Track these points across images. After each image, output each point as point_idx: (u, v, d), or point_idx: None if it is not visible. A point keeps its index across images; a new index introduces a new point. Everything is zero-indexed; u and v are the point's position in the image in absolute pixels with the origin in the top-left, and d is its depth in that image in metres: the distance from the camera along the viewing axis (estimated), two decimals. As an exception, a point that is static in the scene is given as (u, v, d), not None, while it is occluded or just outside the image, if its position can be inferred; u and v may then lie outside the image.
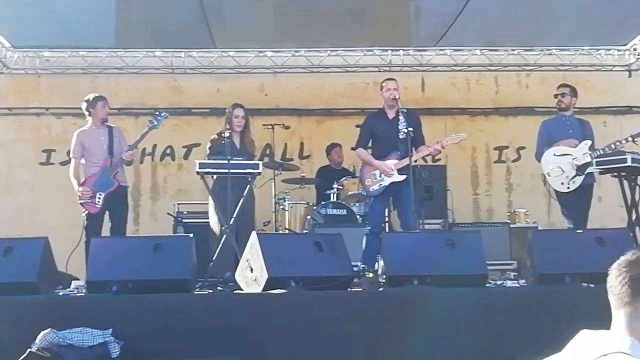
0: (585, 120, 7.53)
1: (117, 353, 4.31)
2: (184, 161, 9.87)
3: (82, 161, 7.13)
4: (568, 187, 7.11)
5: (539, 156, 7.41)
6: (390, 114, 6.77)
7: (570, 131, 7.22)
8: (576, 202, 7.13)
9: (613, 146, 6.94)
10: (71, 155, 7.26)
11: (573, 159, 7.09)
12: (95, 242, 5.35)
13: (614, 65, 10.09)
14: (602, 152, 6.97)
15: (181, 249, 5.14)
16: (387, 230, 7.59)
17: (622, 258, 1.87)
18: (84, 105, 7.32)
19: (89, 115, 7.29)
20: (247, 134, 7.11)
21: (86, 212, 6.87)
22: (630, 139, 6.90)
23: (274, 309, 4.66)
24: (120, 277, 4.88)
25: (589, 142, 7.11)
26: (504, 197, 10.03)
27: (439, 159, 9.73)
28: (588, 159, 7.00)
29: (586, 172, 7.02)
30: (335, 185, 8.43)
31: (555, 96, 7.44)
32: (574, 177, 7.07)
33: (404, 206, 6.59)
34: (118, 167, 7.08)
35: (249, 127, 7.16)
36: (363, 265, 6.31)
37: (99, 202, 6.89)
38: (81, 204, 6.90)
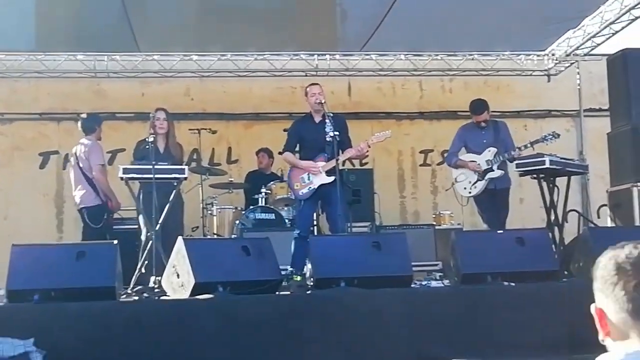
0: (501, 122, 7.74)
1: (39, 363, 4.20)
2: (109, 167, 9.63)
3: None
4: (470, 192, 7.45)
5: (447, 160, 7.81)
6: (317, 118, 6.81)
7: (484, 140, 7.47)
8: (490, 205, 7.41)
9: (514, 152, 7.21)
10: (101, 162, 7.41)
11: (477, 165, 7.39)
12: (16, 249, 5.18)
13: (533, 70, 10.43)
14: (503, 158, 7.24)
15: (105, 256, 5.04)
16: (315, 233, 7.63)
17: (622, 255, 1.60)
18: (87, 121, 7.55)
19: (92, 132, 7.49)
20: (171, 138, 7.02)
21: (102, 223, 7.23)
22: (529, 145, 7.20)
23: (201, 315, 4.62)
24: (42, 285, 4.75)
25: (493, 150, 7.33)
26: (430, 200, 10.23)
27: (366, 163, 9.85)
28: (488, 166, 7.30)
29: (487, 178, 7.30)
30: (263, 190, 8.42)
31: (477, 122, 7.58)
32: (476, 182, 7.39)
33: (332, 209, 6.62)
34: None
35: (173, 131, 7.07)
36: (291, 269, 6.33)
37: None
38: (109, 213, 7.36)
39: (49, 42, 9.36)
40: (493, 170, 7.29)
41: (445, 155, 7.92)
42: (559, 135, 7.17)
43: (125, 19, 8.29)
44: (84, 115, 7.68)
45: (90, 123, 7.54)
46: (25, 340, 4.20)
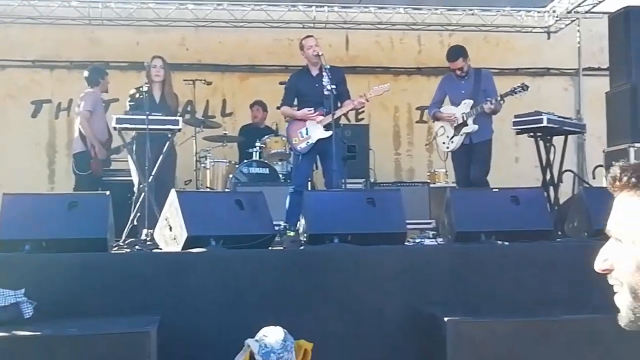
0: (485, 71, 7.37)
1: (31, 314, 4.18)
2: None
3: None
4: (447, 147, 7.22)
5: (428, 112, 7.61)
6: (314, 71, 6.72)
7: (463, 91, 7.19)
8: (465, 160, 7.12)
9: (485, 105, 6.87)
10: (87, 108, 7.41)
11: (452, 117, 7.14)
12: (7, 198, 5.11)
13: (533, 27, 10.31)
14: (477, 110, 6.93)
15: (97, 207, 4.97)
16: (309, 188, 7.59)
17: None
18: (91, 73, 7.72)
19: (96, 84, 7.65)
20: (167, 87, 6.92)
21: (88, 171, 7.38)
22: (499, 97, 6.88)
23: (193, 268, 4.59)
24: (33, 235, 4.70)
25: (469, 102, 7.04)
26: (425, 157, 10.17)
27: (362, 119, 9.78)
28: (463, 119, 7.04)
29: (462, 133, 7.06)
30: (258, 144, 8.36)
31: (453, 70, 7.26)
32: (453, 136, 7.16)
33: (328, 165, 6.57)
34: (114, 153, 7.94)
35: (170, 81, 6.98)
36: (285, 224, 6.31)
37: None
38: (94, 160, 7.39)
39: (42, -13, 9.18)
40: (467, 125, 7.03)
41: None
42: (527, 87, 6.80)
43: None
44: (89, 68, 7.83)
45: (94, 75, 7.68)
46: (16, 291, 4.17)
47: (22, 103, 9.65)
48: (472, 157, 7.07)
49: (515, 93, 6.80)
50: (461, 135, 7.08)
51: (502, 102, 6.89)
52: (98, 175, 7.41)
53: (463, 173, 7.16)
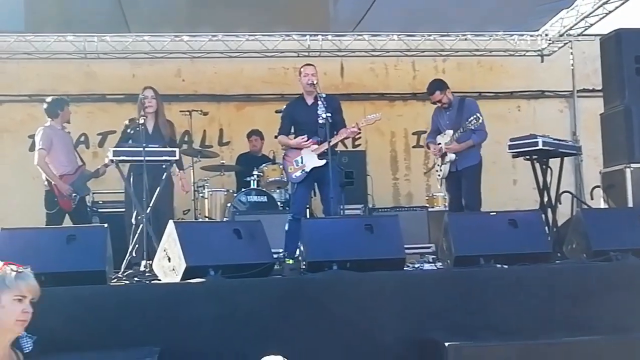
0: (468, 100, 7.49)
1: (30, 348, 4.14)
2: (99, 149, 9.63)
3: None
4: (439, 176, 7.44)
5: (426, 141, 7.80)
6: (309, 100, 6.75)
7: (447, 122, 7.35)
8: (455, 187, 7.28)
9: (456, 136, 7.07)
10: (41, 147, 7.30)
11: (437, 148, 7.37)
12: (5, 233, 5.11)
13: (526, 51, 10.38)
14: (455, 140, 7.11)
15: (95, 239, 4.97)
16: (308, 216, 7.59)
17: None
18: (51, 106, 7.50)
19: (55, 116, 7.47)
20: (160, 118, 6.91)
21: (56, 208, 7.27)
22: (461, 130, 7.01)
23: (192, 299, 4.58)
24: (32, 269, 4.69)
25: (449, 132, 7.22)
26: (423, 182, 10.18)
27: (359, 145, 9.82)
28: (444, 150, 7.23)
29: (446, 161, 7.22)
30: (255, 172, 8.38)
31: (434, 103, 7.48)
32: (441, 165, 7.37)
33: (325, 192, 6.59)
34: (93, 177, 7.64)
35: (162, 110, 6.96)
36: (284, 252, 6.30)
37: (75, 202, 7.33)
38: (60, 198, 7.26)
39: (38, 23, 9.24)
40: (446, 155, 7.21)
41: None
42: (479, 118, 6.88)
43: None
44: (48, 100, 7.61)
45: (52, 107, 7.52)
46: (15, 326, 4.15)
47: (19, 137, 9.67)
48: (461, 183, 7.21)
49: (470, 124, 6.91)
50: (446, 163, 7.26)
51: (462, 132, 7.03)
52: (69, 209, 7.34)
53: (454, 200, 7.33)
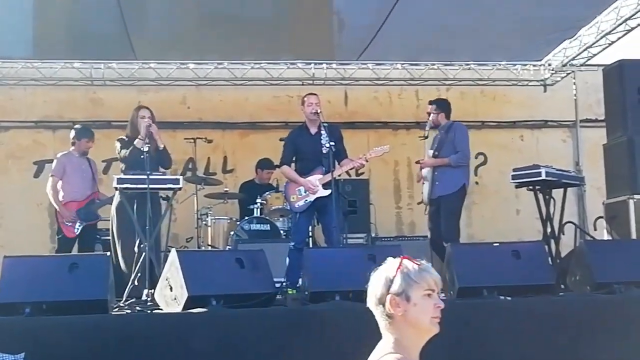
0: (456, 124, 7.38)
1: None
2: (104, 176, 9.60)
3: (59, 183, 7.51)
4: (422, 199, 7.43)
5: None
6: (313, 129, 6.78)
7: (436, 144, 7.33)
8: (435, 213, 7.17)
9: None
10: (51, 173, 7.59)
11: (420, 174, 7.38)
12: (8, 261, 5.12)
13: (529, 80, 10.41)
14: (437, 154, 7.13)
15: (98, 268, 5.00)
16: (310, 245, 7.58)
17: None
18: (71, 134, 7.74)
19: (72, 144, 7.68)
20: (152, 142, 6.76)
21: (62, 234, 7.36)
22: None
23: (194, 329, 4.58)
24: (34, 298, 4.71)
25: (430, 152, 7.26)
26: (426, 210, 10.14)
27: (362, 173, 9.80)
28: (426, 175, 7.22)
29: (423, 182, 7.27)
30: (258, 200, 8.38)
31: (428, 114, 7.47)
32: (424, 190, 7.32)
33: (328, 221, 6.59)
34: (106, 203, 7.35)
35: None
36: (286, 282, 6.28)
37: (77, 229, 7.37)
38: (61, 224, 7.37)
39: (46, 50, 9.31)
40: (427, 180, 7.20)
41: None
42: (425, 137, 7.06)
43: (122, 26, 8.25)
44: (76, 126, 7.91)
45: (73, 135, 7.76)
46: (15, 355, 4.15)
47: (24, 163, 9.71)
48: (440, 210, 7.10)
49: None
50: (424, 183, 7.28)
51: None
52: (70, 236, 7.41)
53: (434, 229, 7.18)
